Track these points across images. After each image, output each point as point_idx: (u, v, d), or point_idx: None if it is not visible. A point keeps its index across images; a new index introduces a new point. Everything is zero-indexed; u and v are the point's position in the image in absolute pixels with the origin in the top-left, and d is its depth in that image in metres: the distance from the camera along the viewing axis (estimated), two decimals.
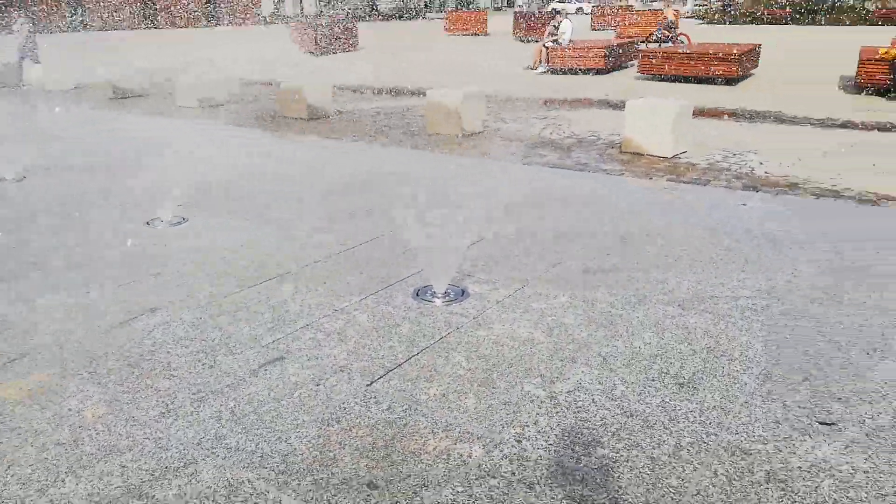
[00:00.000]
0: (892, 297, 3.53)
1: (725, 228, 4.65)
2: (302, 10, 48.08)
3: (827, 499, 2.12)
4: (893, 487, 2.17)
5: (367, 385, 2.84)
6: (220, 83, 11.95)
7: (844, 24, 25.71)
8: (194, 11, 45.19)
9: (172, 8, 44.23)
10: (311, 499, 2.18)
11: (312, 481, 2.26)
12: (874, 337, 3.14)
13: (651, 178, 6.12)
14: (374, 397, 2.75)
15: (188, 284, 3.91)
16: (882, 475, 2.23)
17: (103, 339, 3.27)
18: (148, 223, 5.04)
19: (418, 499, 2.17)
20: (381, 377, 2.90)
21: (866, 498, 2.13)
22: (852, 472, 2.25)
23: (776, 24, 27.91)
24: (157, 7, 43.68)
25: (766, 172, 6.22)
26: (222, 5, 46.28)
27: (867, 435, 2.44)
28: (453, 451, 2.41)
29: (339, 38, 21.58)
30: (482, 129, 8.62)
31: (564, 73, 14.36)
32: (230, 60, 17.81)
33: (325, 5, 46.99)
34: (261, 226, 4.93)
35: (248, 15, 46.86)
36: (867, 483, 2.19)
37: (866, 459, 2.30)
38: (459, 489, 2.21)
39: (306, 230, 4.82)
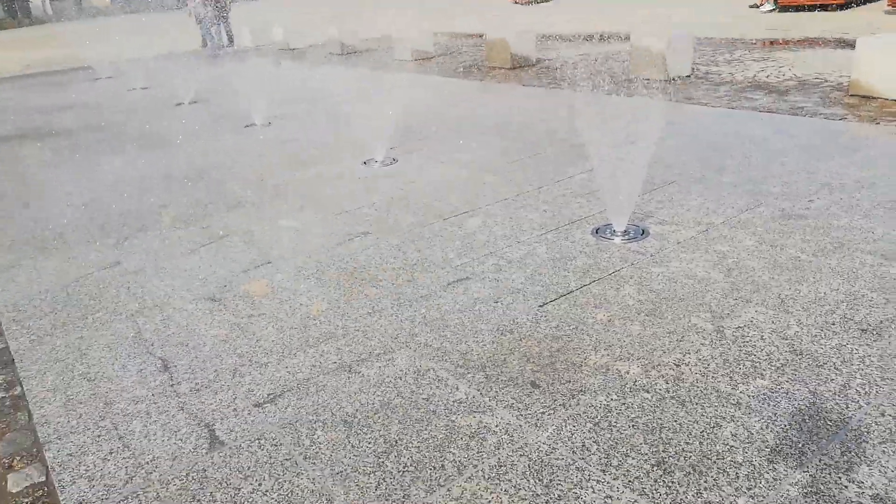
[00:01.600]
0: None
1: None
2: None
3: None
4: None
5: (540, 306, 3.13)
6: (431, 38, 12.64)
7: None
8: None
9: None
10: (482, 388, 2.54)
11: (484, 376, 2.63)
12: None
13: (878, 123, 5.49)
14: (545, 316, 3.03)
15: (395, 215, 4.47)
16: None
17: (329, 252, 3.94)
18: (365, 163, 5.74)
19: (574, 401, 2.43)
20: (552, 300, 3.17)
21: None
22: None
23: None
24: None
25: None
26: None
27: None
28: (612, 367, 2.62)
29: None
30: (689, 72, 8.23)
31: (797, 9, 12.91)
32: (441, 11, 18.59)
33: None
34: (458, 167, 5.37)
35: None
36: None
37: None
38: (614, 398, 2.43)
39: (496, 168, 5.16)
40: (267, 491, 2.13)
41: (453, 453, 2.22)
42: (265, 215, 4.68)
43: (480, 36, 13.55)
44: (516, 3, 21.65)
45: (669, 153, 5.15)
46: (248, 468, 2.25)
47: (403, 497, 2.05)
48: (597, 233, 3.91)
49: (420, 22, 13.73)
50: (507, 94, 8.54)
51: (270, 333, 3.10)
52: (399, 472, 2.16)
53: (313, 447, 2.31)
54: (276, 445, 2.34)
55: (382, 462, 2.21)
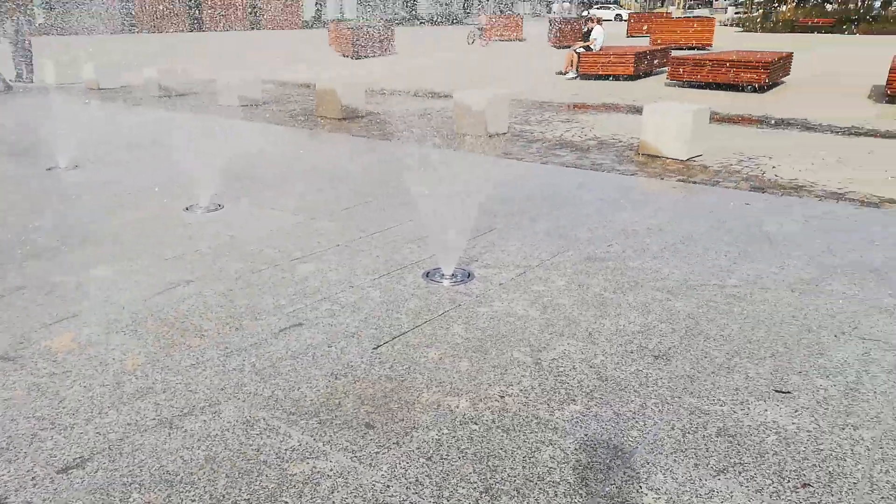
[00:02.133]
0: (868, 289, 3.74)
1: (725, 225, 4.88)
2: (342, 14, 48.96)
3: (768, 450, 2.39)
4: (831, 445, 2.42)
5: (374, 348, 3.19)
6: (259, 84, 12.48)
7: (888, 33, 25.22)
8: (238, 15, 46.45)
9: (217, 12, 45.56)
10: (316, 434, 2.53)
11: (318, 421, 2.61)
12: (845, 323, 3.36)
13: (663, 179, 6.35)
14: (379, 358, 3.09)
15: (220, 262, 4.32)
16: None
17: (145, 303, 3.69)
18: (187, 209, 5.49)
19: (408, 438, 2.50)
20: (386, 342, 3.24)
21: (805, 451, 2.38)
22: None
23: (816, 32, 27.55)
24: (203, 11, 45.05)
25: (776, 176, 6.40)
26: (265, 9, 47.47)
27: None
28: (443, 402, 2.73)
29: (377, 42, 22.10)
30: (506, 130, 8.92)
31: (595, 78, 14.57)
32: (270, 62, 18.47)
33: (365, 10, 47.79)
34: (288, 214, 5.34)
35: (289, 18, 47.98)
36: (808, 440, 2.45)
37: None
38: (445, 432, 2.54)
39: (328, 214, 5.21)
40: None
41: (286, 502, 2.17)
42: (72, 264, 4.29)
43: (310, 86, 13.64)
44: (345, 56, 22.12)
45: (490, 203, 5.53)
46: None
47: None
48: (427, 276, 4.07)
49: (248, 69, 13.53)
50: (337, 143, 8.66)
51: (76, 392, 2.83)
52: None
53: None
54: None
55: None
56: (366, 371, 2.97)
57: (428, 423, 2.59)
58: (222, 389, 2.85)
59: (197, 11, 44.99)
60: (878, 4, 34.70)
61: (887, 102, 10.66)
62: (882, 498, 2.14)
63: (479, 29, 27.41)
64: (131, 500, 2.19)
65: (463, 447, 2.44)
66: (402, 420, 2.61)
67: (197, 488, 2.24)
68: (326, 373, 2.97)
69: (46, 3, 40.10)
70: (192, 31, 43.66)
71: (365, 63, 20.30)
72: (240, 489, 2.23)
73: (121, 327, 3.42)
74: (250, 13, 47.30)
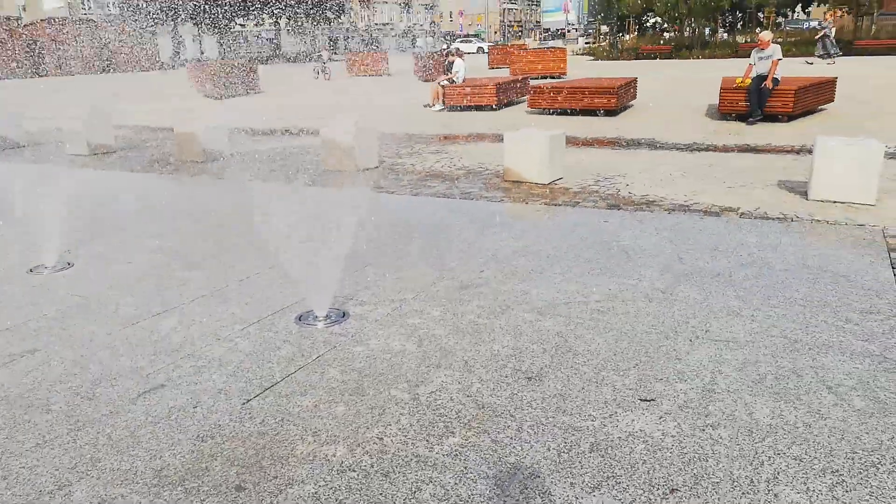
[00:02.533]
0: (715, 293, 4.06)
1: (586, 243, 5.13)
2: (202, 53, 47.50)
3: (638, 460, 2.49)
4: (694, 447, 2.57)
5: (244, 403, 3.03)
6: (112, 130, 11.76)
7: (719, 57, 28.01)
8: (87, 58, 43.80)
9: (63, 55, 42.74)
10: None
11: (183, 490, 2.43)
12: (697, 327, 3.62)
13: (527, 203, 6.61)
14: (249, 413, 2.94)
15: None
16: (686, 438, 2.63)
17: None
18: (31, 270, 5.01)
19: (283, 495, 2.38)
20: (256, 395, 3.09)
21: (670, 457, 2.51)
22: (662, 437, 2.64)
23: (657, 58, 30.13)
24: (44, 55, 42.07)
25: (630, 193, 6.85)
26: (117, 51, 45.09)
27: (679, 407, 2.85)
28: (319, 453, 2.63)
29: (240, 80, 21.58)
30: (377, 164, 8.96)
31: (460, 109, 15.02)
32: (125, 107, 17.50)
33: (227, 50, 46.72)
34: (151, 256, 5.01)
35: (145, 61, 45.85)
36: (673, 446, 2.59)
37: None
38: (321, 484, 2.44)
39: (190, 263, 4.94)
40: None
41: None
42: None
43: (170, 129, 13.03)
44: (208, 96, 21.41)
45: (364, 238, 5.49)
46: None
47: None
48: (300, 320, 3.95)
49: (99, 114, 12.67)
50: (199, 187, 8.30)
51: None
52: None
53: None
54: None
55: None
56: (235, 429, 2.81)
57: (304, 476, 2.48)
58: (73, 468, 2.58)
59: (36, 56, 41.87)
60: (707, 32, 38.60)
61: (721, 119, 11.78)
62: (743, 493, 2.29)
63: (322, 64, 28.11)
64: None
65: (341, 498, 2.35)
66: (276, 477, 2.48)
67: None
68: (192, 436, 2.77)
69: None
70: (31, 77, 40.51)
71: (229, 102, 19.73)
72: None
73: None
74: (99, 55, 44.69)
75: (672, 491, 2.31)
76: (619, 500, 2.27)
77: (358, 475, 2.47)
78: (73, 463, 2.62)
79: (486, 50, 38.88)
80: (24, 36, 41.38)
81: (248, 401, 3.04)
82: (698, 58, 29.23)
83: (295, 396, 3.06)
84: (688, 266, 4.54)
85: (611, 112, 13.06)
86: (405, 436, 2.72)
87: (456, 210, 6.49)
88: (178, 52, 50.10)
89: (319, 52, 33.28)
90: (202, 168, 9.46)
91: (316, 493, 2.38)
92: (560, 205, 6.47)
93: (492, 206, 6.57)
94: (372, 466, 2.52)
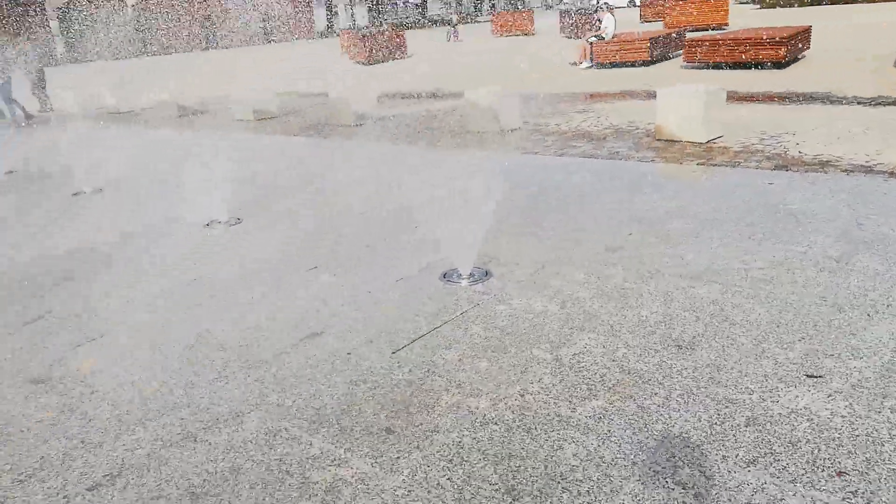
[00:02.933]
0: None
1: (748, 205, 4.76)
2: (354, 22, 49.20)
3: (801, 438, 2.31)
4: (867, 430, 2.33)
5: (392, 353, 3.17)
6: (273, 96, 12.59)
7: None
8: (251, 30, 46.93)
9: (229, 29, 46.07)
10: (337, 441, 2.52)
11: (339, 428, 2.60)
12: (878, 301, 3.25)
13: (681, 163, 6.23)
14: (398, 363, 3.08)
15: None
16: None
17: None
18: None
19: (428, 441, 2.48)
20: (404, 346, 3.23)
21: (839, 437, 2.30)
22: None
23: (834, 3, 26.84)
24: (215, 30, 45.59)
25: (800, 152, 6.23)
26: (277, 23, 47.87)
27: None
28: (463, 404, 2.70)
29: (389, 46, 22.13)
30: (520, 125, 8.85)
31: (610, 66, 14.40)
32: (285, 74, 18.61)
33: (376, 16, 47.96)
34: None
35: (302, 30, 48.34)
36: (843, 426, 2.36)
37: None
38: (466, 434, 2.51)
39: (345, 226, 5.22)
40: None
41: None
42: (93, 290, 4.36)
43: (325, 95, 13.71)
44: (359, 62, 22.21)
45: (507, 199, 5.48)
46: None
47: None
48: (444, 277, 4.05)
49: (263, 82, 13.64)
50: (357, 149, 8.68)
51: (103, 411, 2.87)
52: None
53: None
54: None
55: None
56: (385, 377, 2.96)
57: (448, 425, 2.57)
58: (244, 401, 2.86)
59: (209, 30, 45.55)
60: None
61: None
62: None
63: (453, 27, 27.91)
64: None
65: (484, 448, 2.40)
66: (422, 424, 2.59)
67: (222, 500, 2.25)
68: (346, 380, 2.96)
69: (64, 33, 41.05)
70: (205, 49, 44.16)
71: (378, 67, 20.34)
72: (263, 499, 2.23)
73: (144, 347, 3.45)
74: (262, 27, 47.76)
75: (839, 474, 2.12)
76: (777, 477, 2.13)
77: (500, 428, 2.51)
78: (245, 396, 2.89)
79: (638, 3, 36.80)
80: (199, 10, 45.09)
81: (396, 351, 3.18)
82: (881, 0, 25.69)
83: (440, 350, 3.16)
84: (868, 233, 4.07)
85: (779, 64, 11.90)
86: (547, 395, 2.71)
87: (603, 171, 6.27)
88: (332, 22, 52.29)
89: (450, 15, 33.29)
90: (353, 131, 9.88)
91: (460, 441, 2.45)
92: (719, 165, 6.03)
93: (642, 167, 6.27)
94: (514, 421, 2.55)
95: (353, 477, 2.31)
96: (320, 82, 15.95)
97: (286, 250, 4.77)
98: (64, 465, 2.53)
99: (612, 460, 2.29)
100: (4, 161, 9.09)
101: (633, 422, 2.49)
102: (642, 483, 2.17)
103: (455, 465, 2.32)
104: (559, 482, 2.20)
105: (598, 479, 2.20)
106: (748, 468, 2.19)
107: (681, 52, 14.54)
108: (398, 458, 2.40)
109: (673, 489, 2.13)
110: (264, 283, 4.18)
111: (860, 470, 2.13)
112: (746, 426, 2.40)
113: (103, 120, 14.04)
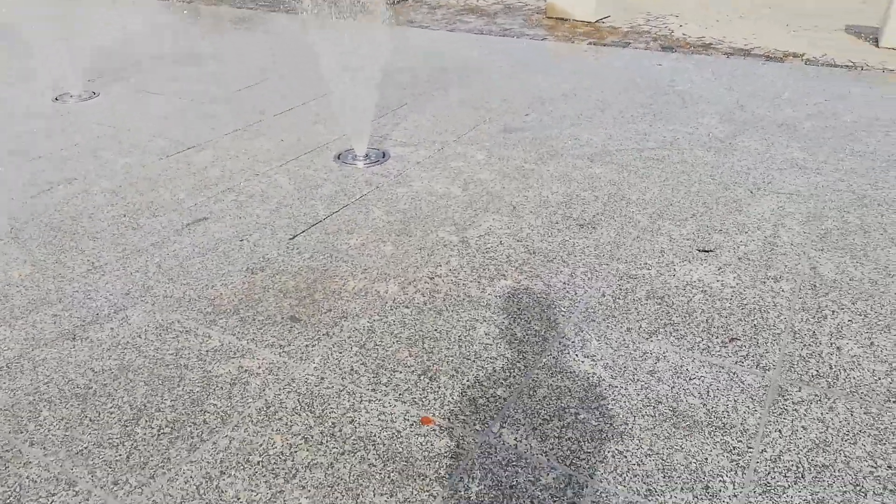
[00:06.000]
0: (778, 144, 3.83)
1: (638, 87, 4.82)
2: None
3: (696, 309, 2.45)
4: (755, 299, 2.51)
5: (290, 238, 2.98)
6: None
7: None
8: None
9: None
10: (238, 332, 2.37)
11: (239, 319, 2.44)
12: (759, 179, 3.44)
13: (573, 42, 6.17)
14: (297, 249, 2.90)
15: None
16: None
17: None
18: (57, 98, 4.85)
19: (338, 328, 2.39)
20: (302, 231, 3.04)
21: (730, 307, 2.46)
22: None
23: None
24: None
25: (684, 34, 6.35)
26: None
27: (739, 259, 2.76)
28: (371, 289, 2.61)
29: None
30: None
31: None
32: None
33: None
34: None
35: None
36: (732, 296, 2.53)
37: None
38: (376, 318, 2.44)
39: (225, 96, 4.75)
40: None
41: (214, 404, 2.04)
42: None
43: None
44: None
45: (400, 75, 5.21)
46: None
47: (163, 461, 1.84)
48: (339, 158, 3.82)
49: None
50: (221, 16, 7.83)
51: None
52: (153, 436, 1.93)
53: (41, 430, 1.95)
54: None
55: (131, 430, 1.95)
56: (284, 263, 2.79)
57: (357, 311, 2.48)
58: (126, 294, 2.60)
59: None
60: None
61: None
62: (804, 345, 2.25)
63: None
64: (41, 418, 2.00)
65: (396, 332, 2.35)
66: (330, 310, 2.48)
67: (115, 399, 2.07)
68: (241, 268, 2.76)
69: None
70: None
71: None
72: (162, 396, 2.07)
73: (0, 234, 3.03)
74: None
75: (731, 340, 2.27)
76: (678, 346, 2.25)
77: (412, 311, 2.46)
78: (127, 289, 2.63)
79: None
80: None
81: (294, 237, 2.99)
82: None
83: (341, 234, 3.01)
84: (748, 114, 4.27)
85: None
86: (456, 277, 2.68)
87: (495, 48, 6.08)
88: None
89: None
90: None
91: (371, 327, 2.38)
92: (609, 45, 6.03)
93: (535, 45, 6.15)
94: (425, 304, 2.50)
95: (260, 367, 2.19)
96: None
97: (156, 126, 4.28)
98: None
99: (524, 337, 2.32)
100: None
101: (541, 299, 2.52)
102: (553, 357, 2.22)
103: (368, 350, 2.26)
104: (474, 361, 2.21)
105: (511, 357, 2.23)
106: (651, 338, 2.29)
107: None
108: (307, 346, 2.29)
109: (583, 362, 2.20)
110: (126, 165, 3.75)
111: (749, 335, 2.30)
112: (647, 299, 2.51)
113: None
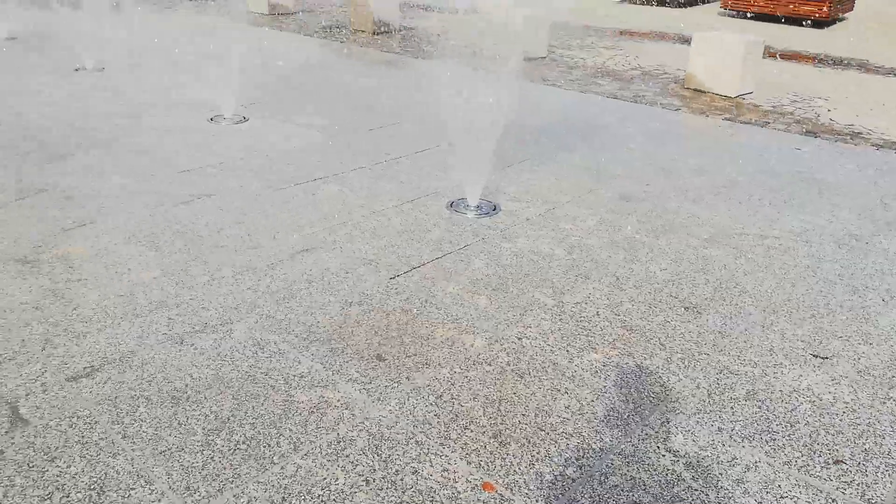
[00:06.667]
0: None
1: (773, 169, 4.59)
2: None
3: (800, 420, 2.26)
4: (870, 420, 2.28)
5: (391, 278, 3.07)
6: None
7: None
8: None
9: None
10: (326, 362, 2.45)
11: (329, 349, 2.53)
12: (893, 286, 3.15)
13: (708, 116, 5.99)
14: (396, 288, 2.98)
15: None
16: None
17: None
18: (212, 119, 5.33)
19: (419, 373, 2.41)
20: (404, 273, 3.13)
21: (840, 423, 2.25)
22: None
23: None
24: None
25: (831, 119, 5.99)
26: None
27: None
28: (458, 340, 2.63)
29: None
30: (545, 54, 8.48)
31: (642, 3, 13.77)
32: None
33: None
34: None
35: None
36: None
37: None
38: (457, 371, 2.44)
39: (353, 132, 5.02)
40: (76, 474, 1.91)
41: (290, 429, 2.12)
42: (91, 169, 4.20)
43: None
44: None
45: (525, 131, 5.28)
46: (56, 449, 2.00)
47: (233, 476, 1.92)
48: (451, 206, 3.91)
49: None
50: (368, 58, 8.33)
51: (90, 301, 2.79)
52: (230, 450, 2.02)
53: (134, 425, 2.11)
54: (90, 424, 2.10)
55: (212, 440, 2.06)
56: (381, 301, 2.87)
57: (440, 360, 2.50)
58: (235, 308, 2.78)
59: None
60: None
61: None
62: None
63: None
64: (137, 413, 2.16)
65: (475, 389, 2.34)
66: (415, 355, 2.52)
67: (203, 407, 2.20)
68: (341, 300, 2.87)
69: None
70: None
71: None
72: (245, 412, 2.18)
73: (139, 237, 3.34)
74: None
75: (836, 462, 2.07)
76: (773, 457, 2.08)
77: (494, 370, 2.45)
78: (236, 304, 2.81)
79: None
80: None
81: (395, 277, 3.08)
82: None
83: (439, 281, 3.06)
84: (893, 214, 3.93)
85: (820, 23, 11.39)
86: (545, 341, 2.64)
87: (625, 114, 6.03)
88: None
89: None
90: (372, 38, 9.46)
91: (451, 378, 2.39)
92: (747, 123, 5.80)
93: (667, 115, 6.03)
94: (509, 365, 2.48)
95: (339, 401, 2.26)
96: None
97: (295, 156, 4.59)
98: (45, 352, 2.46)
99: (605, 416, 2.23)
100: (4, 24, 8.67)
101: (630, 380, 2.42)
102: (633, 445, 2.12)
103: (444, 402, 2.27)
104: (548, 433, 2.15)
105: (588, 436, 2.15)
106: (743, 443, 2.13)
107: None
108: (387, 387, 2.34)
109: (664, 456, 2.08)
110: (259, 188, 4.04)
111: (858, 461, 2.08)
112: (746, 399, 2.34)
113: None
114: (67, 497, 1.84)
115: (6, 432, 2.06)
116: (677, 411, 2.27)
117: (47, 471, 1.92)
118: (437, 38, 9.68)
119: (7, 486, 1.86)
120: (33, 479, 1.89)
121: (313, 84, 6.62)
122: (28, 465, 1.94)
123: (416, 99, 6.21)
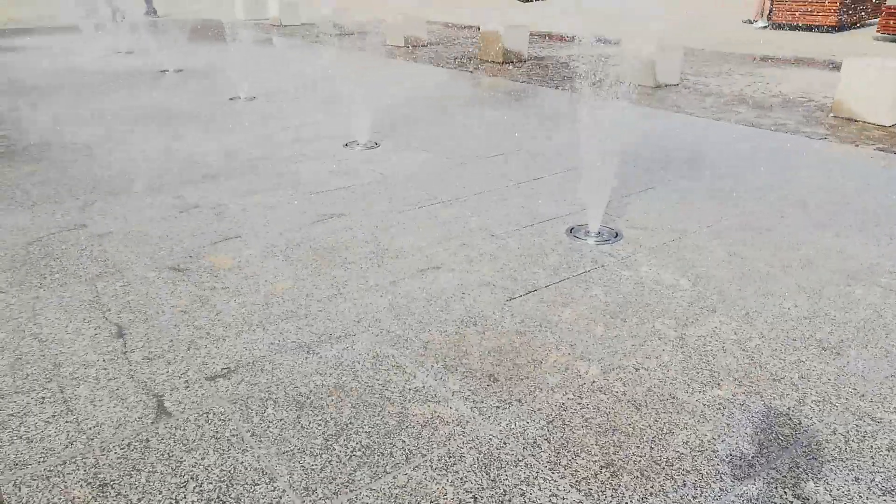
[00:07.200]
0: None
1: None
2: None
3: None
4: None
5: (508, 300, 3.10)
6: (425, 25, 12.52)
7: None
8: None
9: None
10: (440, 378, 2.52)
11: (444, 366, 2.60)
12: None
13: (857, 145, 5.55)
14: (511, 311, 3.01)
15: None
16: None
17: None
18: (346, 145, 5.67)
19: (532, 396, 2.41)
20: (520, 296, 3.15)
21: None
22: None
23: None
24: None
25: None
26: None
27: None
28: (572, 366, 2.60)
29: None
30: (678, 81, 8.25)
31: (789, 28, 13.04)
32: (438, 4, 18.44)
33: None
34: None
35: None
36: None
37: None
38: (570, 397, 2.42)
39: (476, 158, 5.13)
40: (209, 466, 2.09)
41: (403, 441, 2.19)
42: (238, 189, 4.60)
43: (476, 28, 13.48)
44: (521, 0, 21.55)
45: (653, 159, 5.16)
46: (193, 441, 2.20)
47: (348, 481, 2.02)
48: (570, 232, 3.89)
49: (417, 10, 13.62)
50: (496, 87, 8.50)
51: (231, 308, 3.04)
52: (347, 455, 2.12)
53: (262, 424, 2.27)
54: (224, 420, 2.29)
55: (331, 445, 2.17)
56: (496, 323, 2.91)
57: (553, 384, 2.48)
58: (358, 322, 2.92)
59: None
60: None
61: None
62: None
63: None
64: (266, 414, 2.32)
65: (588, 416, 2.31)
66: (528, 378, 2.52)
67: (324, 413, 2.32)
68: (457, 319, 2.94)
69: None
70: None
71: (534, 5, 19.66)
72: (362, 421, 2.28)
73: (276, 251, 3.61)
74: None
75: None
76: None
77: (608, 399, 2.40)
78: (359, 317, 2.96)
79: None
80: None
81: (511, 299, 3.11)
82: None
83: (556, 306, 3.05)
84: None
85: None
86: (664, 373, 2.55)
87: (763, 143, 5.72)
88: None
89: None
90: (499, 69, 9.65)
91: (564, 404, 2.37)
92: None
93: (810, 144, 5.66)
94: (624, 394, 2.42)
95: (451, 417, 2.30)
96: (473, 15, 15.66)
97: (421, 180, 4.77)
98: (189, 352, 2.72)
99: (727, 457, 2.12)
100: (173, 60, 9.72)
101: (756, 420, 2.28)
102: (758, 489, 1.99)
103: (555, 427, 2.25)
104: (664, 468, 2.07)
105: (708, 475, 2.05)
106: (884, 497, 1.94)
107: (875, 20, 12.87)
108: (498, 407, 2.36)
109: (791, 502, 1.93)
110: (385, 210, 4.22)
111: None
112: (888, 451, 2.13)
113: (264, 31, 14.64)
114: (200, 486, 2.01)
115: (152, 423, 2.29)
116: (809, 456, 2.11)
117: (184, 461, 2.11)
118: (564, 68, 9.71)
119: (150, 472, 2.07)
120: (172, 468, 2.08)
121: (441, 111, 6.86)
122: (168, 454, 2.14)
123: (540, 127, 6.25)
